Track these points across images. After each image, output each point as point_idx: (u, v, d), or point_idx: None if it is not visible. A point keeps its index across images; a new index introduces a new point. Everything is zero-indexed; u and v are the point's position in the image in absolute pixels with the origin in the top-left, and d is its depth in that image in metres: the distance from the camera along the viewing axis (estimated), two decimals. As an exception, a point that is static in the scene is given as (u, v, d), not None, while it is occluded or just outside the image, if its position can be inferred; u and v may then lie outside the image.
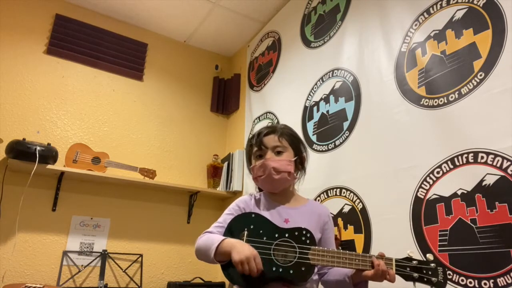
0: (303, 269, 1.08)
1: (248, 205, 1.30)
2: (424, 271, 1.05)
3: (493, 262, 1.23)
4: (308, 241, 1.12)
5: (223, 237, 1.15)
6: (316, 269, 1.20)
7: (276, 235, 1.14)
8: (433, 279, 1.03)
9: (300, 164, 1.36)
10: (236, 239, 1.12)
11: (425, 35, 1.65)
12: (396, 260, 1.08)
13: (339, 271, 1.20)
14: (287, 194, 1.35)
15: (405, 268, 1.06)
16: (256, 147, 1.33)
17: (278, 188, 1.31)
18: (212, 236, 1.18)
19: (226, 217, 1.27)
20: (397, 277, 1.07)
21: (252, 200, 1.32)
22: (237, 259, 1.04)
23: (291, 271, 1.08)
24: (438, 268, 1.04)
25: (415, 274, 1.05)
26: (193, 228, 2.87)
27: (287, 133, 1.35)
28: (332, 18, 2.29)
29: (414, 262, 1.07)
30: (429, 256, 1.07)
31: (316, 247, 1.11)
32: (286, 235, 1.13)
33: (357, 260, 1.08)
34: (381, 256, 1.08)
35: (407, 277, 1.06)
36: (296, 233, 1.14)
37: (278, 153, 1.30)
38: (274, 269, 1.08)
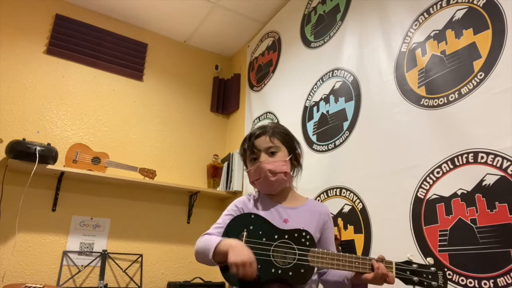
0: (302, 271, 1.08)
1: (247, 206, 1.29)
2: (424, 275, 1.05)
3: (493, 262, 1.23)
4: (307, 243, 1.11)
5: (222, 238, 1.13)
6: (315, 269, 1.19)
7: (276, 236, 1.13)
8: (433, 283, 1.03)
9: (295, 161, 1.34)
10: (236, 240, 1.10)
11: (425, 35, 1.65)
12: (396, 264, 1.08)
13: (339, 272, 1.19)
14: (286, 193, 1.33)
15: (405, 271, 1.06)
16: (249, 150, 1.31)
17: (276, 189, 1.30)
18: (211, 238, 1.17)
19: (225, 218, 1.25)
20: (397, 281, 1.06)
21: (251, 200, 1.31)
22: (232, 261, 1.02)
23: (290, 273, 1.07)
24: (438, 272, 1.04)
25: (415, 278, 1.04)
26: (193, 228, 2.88)
27: (279, 132, 1.32)
28: (332, 18, 2.29)
29: (414, 265, 1.06)
30: (430, 260, 1.07)
31: (316, 249, 1.10)
32: (286, 237, 1.13)
33: (356, 263, 1.08)
34: (381, 259, 1.08)
35: (407, 281, 1.06)
36: (296, 235, 1.13)
37: (272, 153, 1.28)
38: (273, 270, 1.08)
